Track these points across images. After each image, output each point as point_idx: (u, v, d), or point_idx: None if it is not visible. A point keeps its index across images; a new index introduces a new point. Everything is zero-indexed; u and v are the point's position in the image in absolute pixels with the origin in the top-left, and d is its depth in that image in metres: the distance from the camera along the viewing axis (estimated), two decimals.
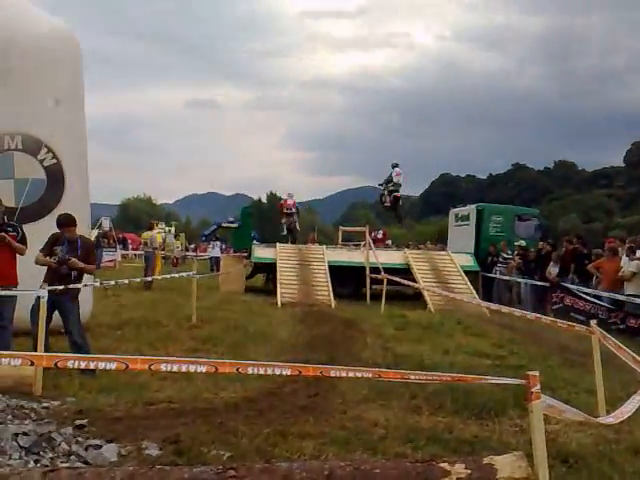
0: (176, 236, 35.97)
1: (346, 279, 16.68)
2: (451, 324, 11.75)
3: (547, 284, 14.25)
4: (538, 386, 2.96)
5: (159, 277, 15.23)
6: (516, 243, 17.17)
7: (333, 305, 14.44)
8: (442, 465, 2.94)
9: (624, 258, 12.06)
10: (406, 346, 9.19)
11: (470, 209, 19.86)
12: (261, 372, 3.06)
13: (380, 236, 24.12)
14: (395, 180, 20.02)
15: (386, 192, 20.63)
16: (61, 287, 6.61)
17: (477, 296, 15.28)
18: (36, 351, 5.73)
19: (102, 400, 5.60)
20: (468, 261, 17.71)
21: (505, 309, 8.28)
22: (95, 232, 24.41)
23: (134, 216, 73.10)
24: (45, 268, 6.89)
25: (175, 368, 2.94)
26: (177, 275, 13.54)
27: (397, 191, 20.24)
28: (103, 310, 11.01)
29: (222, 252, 26.46)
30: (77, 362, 2.95)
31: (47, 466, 3.73)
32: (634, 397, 3.75)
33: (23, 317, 6.78)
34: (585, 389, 6.40)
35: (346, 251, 18.69)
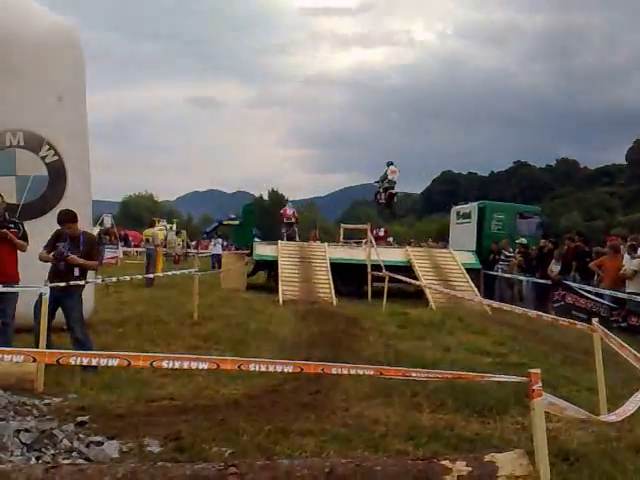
0: (177, 233, 35.99)
1: (348, 277, 16.67)
2: (452, 322, 11.74)
3: (549, 282, 14.23)
4: (539, 384, 2.96)
5: (161, 274, 15.24)
6: (517, 241, 17.15)
7: (335, 303, 14.43)
8: (443, 462, 2.94)
9: (626, 256, 12.05)
10: (408, 344, 9.18)
11: (472, 207, 19.83)
12: (263, 369, 3.06)
13: (382, 234, 24.11)
14: (390, 177, 20.28)
15: (381, 189, 20.88)
16: (63, 284, 6.62)
17: (479, 294, 15.28)
18: (38, 348, 5.74)
19: (104, 397, 5.61)
20: (470, 259, 17.70)
21: (507, 307, 8.27)
22: (97, 229, 24.41)
23: (136, 213, 73.09)
24: (50, 265, 6.90)
25: (177, 365, 2.94)
26: (178, 272, 13.55)
27: (392, 188, 20.47)
28: (105, 307, 11.04)
29: (223, 249, 26.46)
30: (79, 359, 2.95)
31: (49, 463, 3.74)
32: (636, 395, 3.74)
33: (25, 314, 6.80)
34: (586, 387, 6.39)
35: (348, 249, 18.69)
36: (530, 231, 18.65)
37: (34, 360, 3.11)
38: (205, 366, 2.99)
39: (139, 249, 30.26)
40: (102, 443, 4.27)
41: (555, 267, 14.41)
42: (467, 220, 19.66)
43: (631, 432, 4.98)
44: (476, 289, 15.76)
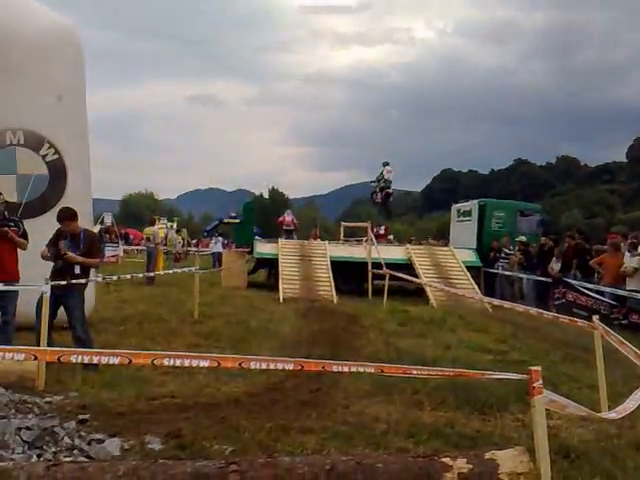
0: (178, 231, 35.97)
1: (348, 275, 16.67)
2: (453, 319, 11.75)
3: (549, 279, 14.24)
4: (540, 381, 2.96)
5: (161, 272, 15.24)
6: (517, 239, 17.16)
7: (335, 300, 14.44)
8: (444, 460, 2.95)
9: (626, 254, 12.05)
10: (408, 341, 9.19)
11: (472, 204, 19.83)
12: (263, 367, 3.06)
13: (382, 232, 24.12)
14: (386, 177, 20.67)
15: (377, 189, 21.17)
16: (64, 282, 6.61)
17: (479, 291, 15.28)
18: (39, 346, 5.74)
19: (105, 395, 5.62)
20: (470, 256, 17.71)
21: (507, 304, 8.27)
22: (97, 227, 24.40)
23: (136, 211, 73.00)
24: (52, 263, 6.90)
25: (178, 363, 2.94)
26: (179, 270, 13.55)
27: (388, 188, 20.90)
28: (105, 305, 11.04)
29: (224, 248, 26.46)
30: (80, 357, 2.96)
31: (50, 460, 3.75)
32: (636, 392, 3.75)
33: (25, 312, 6.80)
34: (587, 384, 6.40)
35: (348, 246, 18.70)
36: (530, 229, 18.66)
37: (35, 358, 3.11)
38: (206, 364, 2.99)
39: (140, 247, 30.24)
40: (103, 441, 4.27)
41: (556, 265, 14.41)
42: (467, 218, 19.67)
43: (632, 429, 4.99)
44: (477, 287, 15.77)
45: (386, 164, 21.18)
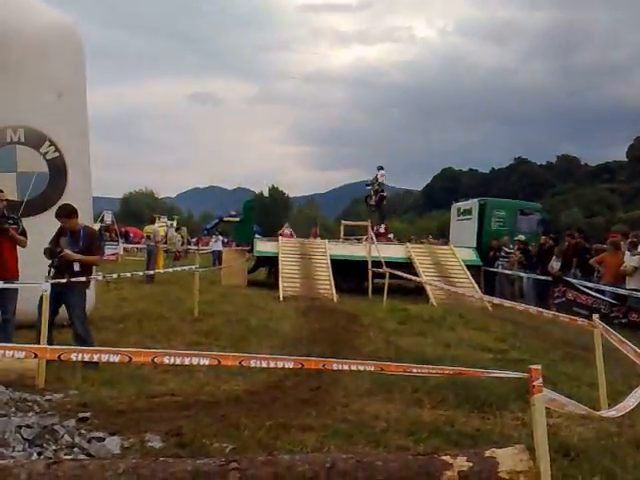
0: (177, 230, 35.98)
1: (348, 273, 16.69)
2: (453, 318, 11.76)
3: (549, 278, 14.24)
4: (540, 379, 2.96)
5: (161, 270, 15.24)
6: (515, 238, 17.17)
7: (335, 299, 14.45)
8: (444, 458, 2.95)
9: (626, 253, 12.05)
10: (408, 340, 9.19)
11: (472, 203, 19.84)
12: (264, 365, 3.06)
13: (382, 230, 24.12)
14: (380, 181, 21.12)
15: (372, 192, 21.51)
16: (64, 280, 6.60)
17: (479, 290, 15.28)
18: (39, 344, 5.74)
19: (105, 393, 5.62)
20: (470, 255, 17.72)
21: (507, 303, 8.27)
22: (97, 225, 24.41)
23: (136, 210, 73.05)
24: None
25: (178, 361, 2.94)
26: (179, 269, 13.55)
27: (382, 191, 21.32)
28: (105, 303, 11.03)
29: (224, 246, 26.45)
30: (81, 355, 2.96)
31: (50, 458, 3.75)
32: (636, 391, 3.75)
33: (25, 310, 6.80)
34: (587, 383, 6.40)
35: (348, 245, 18.71)
36: (531, 228, 18.67)
37: (35, 356, 3.12)
38: (206, 362, 2.99)
39: (139, 246, 30.24)
40: (103, 439, 4.28)
41: (556, 264, 14.42)
42: (468, 217, 19.67)
43: (631, 428, 4.99)
44: (476, 285, 15.78)
45: (380, 168, 21.67)
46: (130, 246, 33.42)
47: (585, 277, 13.47)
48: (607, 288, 12.07)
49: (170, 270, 14.53)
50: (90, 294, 8.03)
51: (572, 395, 4.40)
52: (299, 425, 4.79)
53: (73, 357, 2.92)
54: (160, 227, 22.03)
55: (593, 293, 12.39)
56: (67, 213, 6.90)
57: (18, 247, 7.00)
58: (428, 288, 14.85)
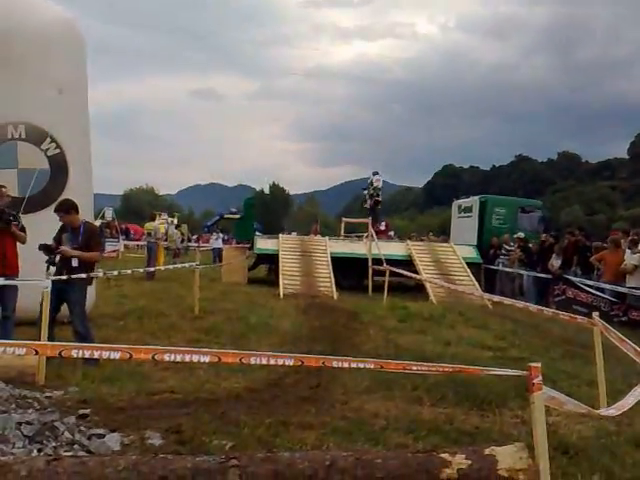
0: (177, 227, 36.00)
1: (348, 271, 16.69)
2: (453, 316, 11.76)
3: (549, 276, 14.24)
4: (540, 377, 2.96)
5: (162, 267, 15.24)
6: (515, 235, 17.17)
7: (335, 296, 14.45)
8: (443, 456, 2.95)
9: (627, 251, 12.05)
10: (408, 338, 9.20)
11: (473, 201, 19.82)
12: (264, 362, 3.07)
13: (383, 228, 24.17)
14: (375, 185, 21.54)
15: (367, 196, 21.89)
16: (64, 277, 6.61)
17: (479, 288, 15.29)
18: (40, 340, 5.75)
19: (105, 390, 5.63)
20: (471, 253, 17.72)
21: (507, 301, 8.28)
22: (98, 222, 24.42)
23: (137, 207, 73.09)
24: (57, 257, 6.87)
25: (179, 358, 2.94)
26: (180, 266, 13.56)
27: (378, 195, 21.71)
28: (106, 300, 11.04)
29: (224, 243, 26.46)
30: (81, 351, 2.96)
31: (50, 455, 3.75)
32: (635, 389, 3.75)
33: (25, 307, 6.81)
34: (586, 381, 6.40)
35: (349, 242, 18.72)
36: (531, 225, 18.67)
37: (36, 353, 3.11)
38: (207, 359, 3.00)
39: (140, 242, 30.27)
40: (103, 436, 4.28)
41: (556, 261, 14.42)
42: (468, 214, 19.66)
43: (630, 426, 5.00)
44: (477, 283, 15.78)
45: (375, 173, 22.12)
46: (130, 243, 33.46)
47: (585, 275, 13.47)
48: (607, 286, 12.07)
49: (170, 267, 14.53)
50: (90, 291, 8.04)
51: (571, 393, 4.40)
52: (299, 423, 4.79)
53: (74, 354, 2.92)
54: (160, 224, 22.01)
55: (593, 291, 12.39)
56: (66, 208, 6.88)
57: (17, 243, 7.01)
58: (428, 286, 14.85)
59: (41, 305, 6.23)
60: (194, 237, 39.99)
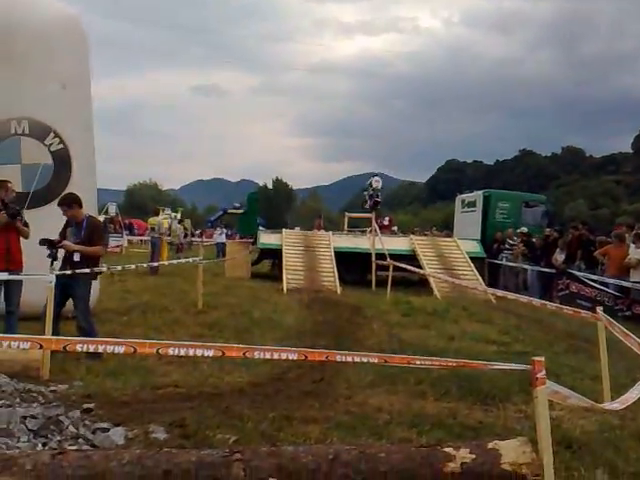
0: (180, 222, 36.03)
1: (352, 265, 16.70)
2: (457, 310, 11.76)
3: (553, 271, 14.22)
4: (543, 372, 2.96)
5: (165, 262, 15.26)
6: (518, 230, 17.14)
7: (339, 291, 14.47)
8: (447, 450, 2.95)
9: (631, 245, 12.02)
10: (412, 332, 9.20)
11: (477, 195, 19.80)
12: (267, 357, 3.07)
13: (386, 222, 24.20)
14: (374, 186, 21.70)
15: (367, 197, 22.09)
16: (69, 272, 6.61)
17: (483, 282, 15.28)
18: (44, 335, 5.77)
19: (109, 384, 5.64)
20: (474, 247, 17.70)
21: (511, 296, 8.28)
22: (102, 217, 24.45)
23: (140, 202, 73.13)
24: (62, 252, 6.86)
25: (183, 352, 2.95)
26: (183, 260, 13.56)
27: (377, 196, 21.89)
28: (109, 295, 11.05)
29: (228, 238, 26.48)
30: (86, 346, 2.97)
31: (55, 449, 3.77)
32: (639, 383, 3.75)
33: (29, 302, 6.83)
34: (590, 375, 6.40)
35: (352, 237, 18.73)
36: (535, 220, 18.63)
37: (41, 347, 3.13)
38: (211, 353, 3.00)
39: (144, 238, 30.30)
40: (108, 430, 4.30)
41: (560, 256, 14.39)
42: (472, 209, 19.64)
43: (634, 420, 5.00)
44: (480, 278, 15.76)
45: (375, 175, 22.02)
46: (134, 238, 33.49)
47: (589, 269, 13.45)
48: (611, 280, 12.06)
49: (174, 262, 14.54)
50: (94, 286, 8.06)
51: (575, 387, 4.40)
52: (302, 417, 4.80)
53: (78, 348, 2.93)
54: (164, 219, 22.02)
55: (597, 285, 12.39)
56: (68, 202, 6.88)
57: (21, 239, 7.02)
58: (432, 280, 14.85)
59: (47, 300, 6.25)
60: (197, 232, 40.03)
